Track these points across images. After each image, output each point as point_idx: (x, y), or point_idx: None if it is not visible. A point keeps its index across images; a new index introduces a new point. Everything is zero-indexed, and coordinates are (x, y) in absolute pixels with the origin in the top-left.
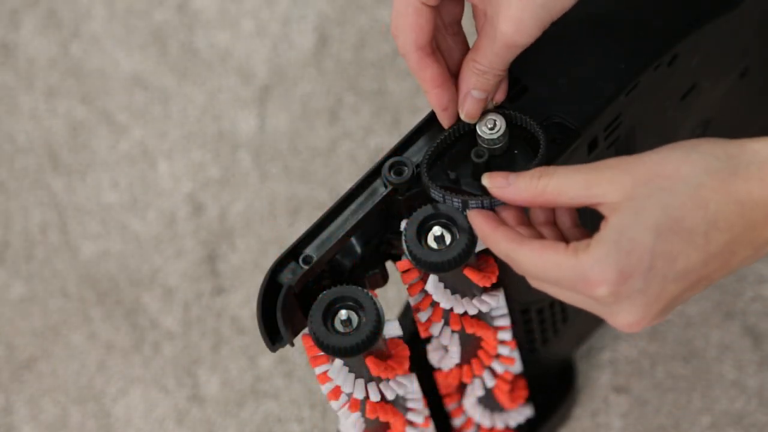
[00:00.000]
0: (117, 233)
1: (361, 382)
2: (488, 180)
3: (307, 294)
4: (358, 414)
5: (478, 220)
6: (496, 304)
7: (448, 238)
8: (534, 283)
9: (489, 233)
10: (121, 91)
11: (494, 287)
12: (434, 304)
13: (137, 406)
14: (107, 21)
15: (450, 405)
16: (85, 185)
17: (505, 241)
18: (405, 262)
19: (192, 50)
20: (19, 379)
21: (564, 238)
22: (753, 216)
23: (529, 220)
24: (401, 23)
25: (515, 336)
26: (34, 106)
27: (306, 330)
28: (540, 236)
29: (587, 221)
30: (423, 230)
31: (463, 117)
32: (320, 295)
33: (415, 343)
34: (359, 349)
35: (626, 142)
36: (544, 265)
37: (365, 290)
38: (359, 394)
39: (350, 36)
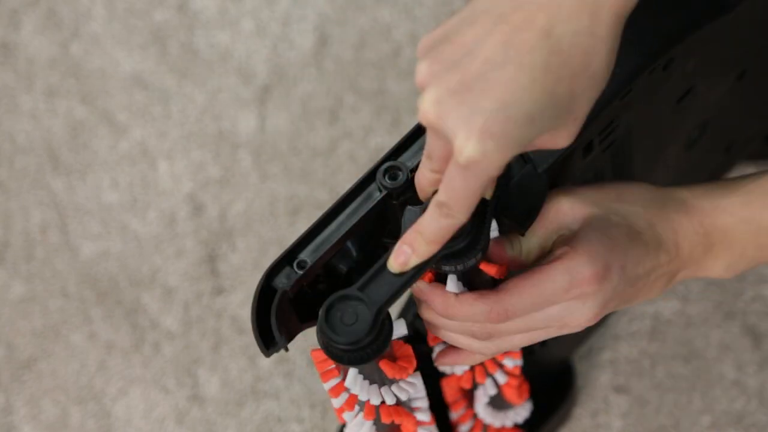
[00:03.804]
0: (117, 233)
1: (375, 387)
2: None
3: (303, 298)
4: (371, 422)
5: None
6: None
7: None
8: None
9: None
10: (121, 91)
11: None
12: None
13: (137, 406)
14: (107, 21)
15: (457, 412)
16: (85, 185)
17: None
18: None
19: (192, 50)
20: (19, 379)
21: None
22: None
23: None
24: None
25: None
26: (34, 106)
27: (311, 339)
28: None
29: None
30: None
31: None
32: (326, 305)
33: None
34: (374, 354)
35: (622, 146)
36: (540, 286)
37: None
38: (375, 400)
39: (350, 36)
